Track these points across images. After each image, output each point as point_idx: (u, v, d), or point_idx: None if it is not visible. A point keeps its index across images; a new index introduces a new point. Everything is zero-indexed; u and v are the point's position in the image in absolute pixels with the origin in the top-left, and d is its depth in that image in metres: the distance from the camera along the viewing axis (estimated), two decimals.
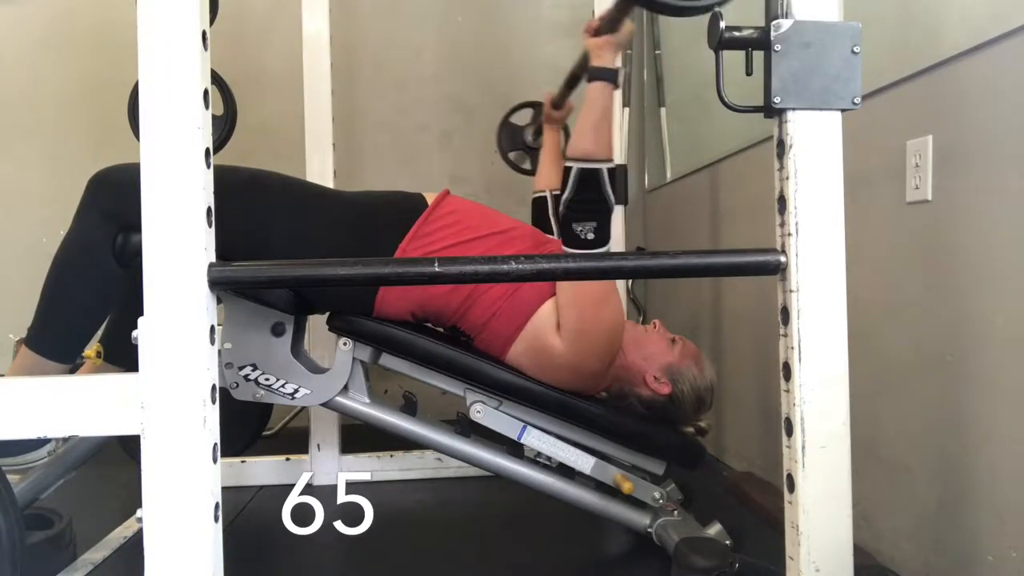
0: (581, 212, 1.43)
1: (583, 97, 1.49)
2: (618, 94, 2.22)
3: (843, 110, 0.94)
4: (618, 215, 2.23)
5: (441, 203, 1.59)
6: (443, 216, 1.57)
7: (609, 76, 1.44)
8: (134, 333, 0.87)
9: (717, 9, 0.95)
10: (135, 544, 1.66)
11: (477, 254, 1.52)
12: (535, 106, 2.27)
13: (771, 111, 0.94)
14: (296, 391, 1.54)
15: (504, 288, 1.52)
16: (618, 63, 1.47)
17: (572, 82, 1.92)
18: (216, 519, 0.88)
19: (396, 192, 1.65)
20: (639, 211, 3.19)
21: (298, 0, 2.20)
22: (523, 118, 2.32)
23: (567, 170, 1.44)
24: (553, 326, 1.50)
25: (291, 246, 1.49)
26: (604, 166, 1.42)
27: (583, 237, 1.42)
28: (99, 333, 1.52)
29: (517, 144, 2.32)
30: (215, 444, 0.88)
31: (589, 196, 1.42)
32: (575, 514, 1.63)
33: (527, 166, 2.34)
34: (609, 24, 1.41)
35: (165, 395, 0.86)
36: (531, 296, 1.52)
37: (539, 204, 1.96)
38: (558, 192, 1.52)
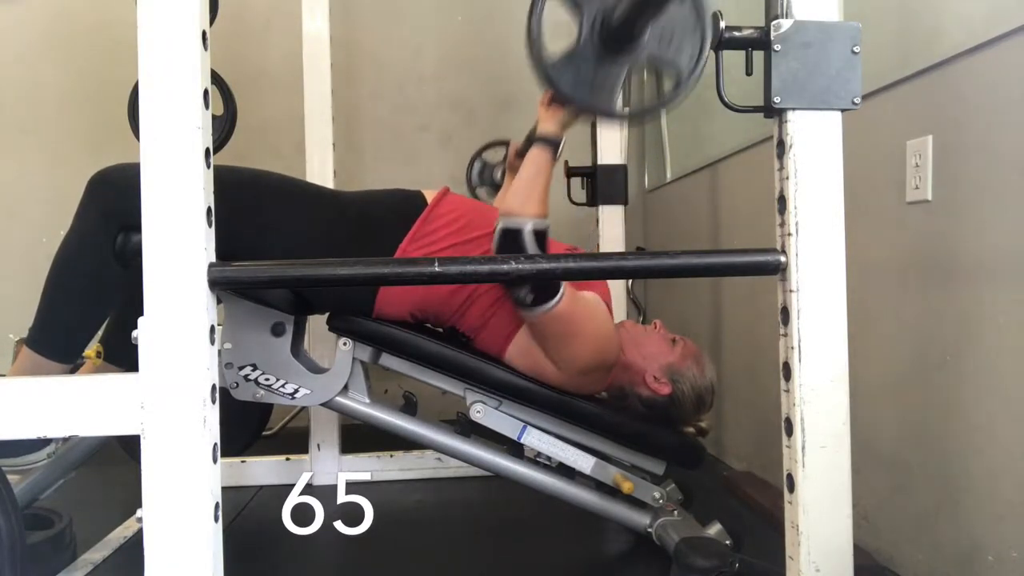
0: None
1: None
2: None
3: (843, 110, 0.94)
4: (618, 215, 2.23)
5: (440, 202, 1.59)
6: (442, 215, 1.57)
7: (549, 143, 1.43)
8: (134, 333, 0.87)
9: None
10: (135, 544, 1.66)
11: (476, 254, 1.52)
12: (507, 145, 2.27)
13: (771, 111, 0.94)
14: (296, 391, 1.54)
15: (500, 290, 1.52)
16: (562, 134, 1.45)
17: (532, 137, 1.93)
18: (216, 519, 0.88)
19: (396, 191, 1.65)
20: (639, 211, 3.19)
21: (298, 0, 2.20)
22: (496, 155, 2.31)
23: (494, 228, 1.42)
24: None
25: (291, 246, 1.49)
26: (527, 225, 1.37)
27: (524, 301, 1.40)
28: (99, 333, 1.52)
29: (486, 180, 2.31)
30: (215, 444, 0.88)
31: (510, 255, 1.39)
32: (575, 514, 1.63)
33: (493, 203, 2.33)
34: (560, 100, 1.39)
35: (165, 395, 0.86)
36: None
37: None
38: None
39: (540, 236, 1.38)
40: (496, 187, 2.30)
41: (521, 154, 2.00)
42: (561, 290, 1.40)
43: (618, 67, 0.92)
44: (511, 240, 1.38)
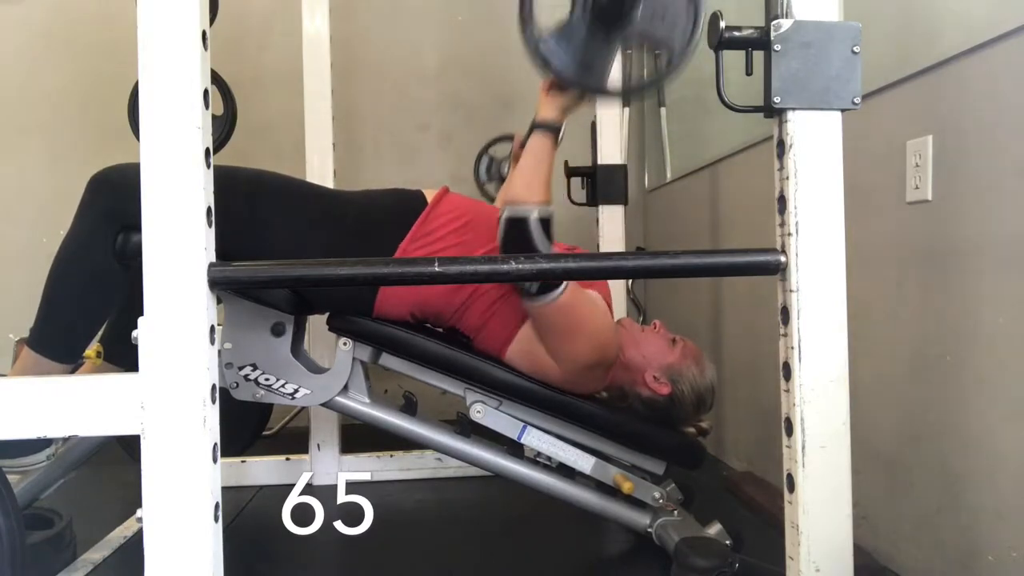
0: None
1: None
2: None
3: (843, 110, 0.94)
4: (618, 215, 2.23)
5: (440, 202, 1.59)
6: (441, 215, 1.57)
7: (549, 128, 1.41)
8: (134, 333, 0.88)
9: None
10: (135, 544, 1.66)
11: (477, 253, 1.52)
12: (513, 139, 2.27)
13: (771, 111, 0.94)
14: (296, 391, 1.54)
15: (500, 290, 1.52)
16: (563, 120, 1.42)
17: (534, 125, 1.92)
18: (216, 519, 0.88)
19: (396, 191, 1.65)
20: (639, 211, 3.19)
21: (298, 0, 2.20)
22: (503, 150, 2.31)
23: (499, 217, 1.39)
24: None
25: (291, 246, 1.49)
26: (532, 213, 1.35)
27: (528, 290, 1.38)
28: (99, 333, 1.52)
29: (493, 176, 2.31)
30: (215, 444, 0.88)
31: (516, 245, 1.35)
32: (575, 514, 1.63)
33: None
34: (560, 85, 1.38)
35: (165, 395, 0.86)
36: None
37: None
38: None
39: (546, 223, 1.35)
40: (504, 181, 2.29)
41: (524, 144, 2.00)
42: (564, 283, 1.39)
43: (609, 44, 0.91)
44: (517, 228, 1.35)
